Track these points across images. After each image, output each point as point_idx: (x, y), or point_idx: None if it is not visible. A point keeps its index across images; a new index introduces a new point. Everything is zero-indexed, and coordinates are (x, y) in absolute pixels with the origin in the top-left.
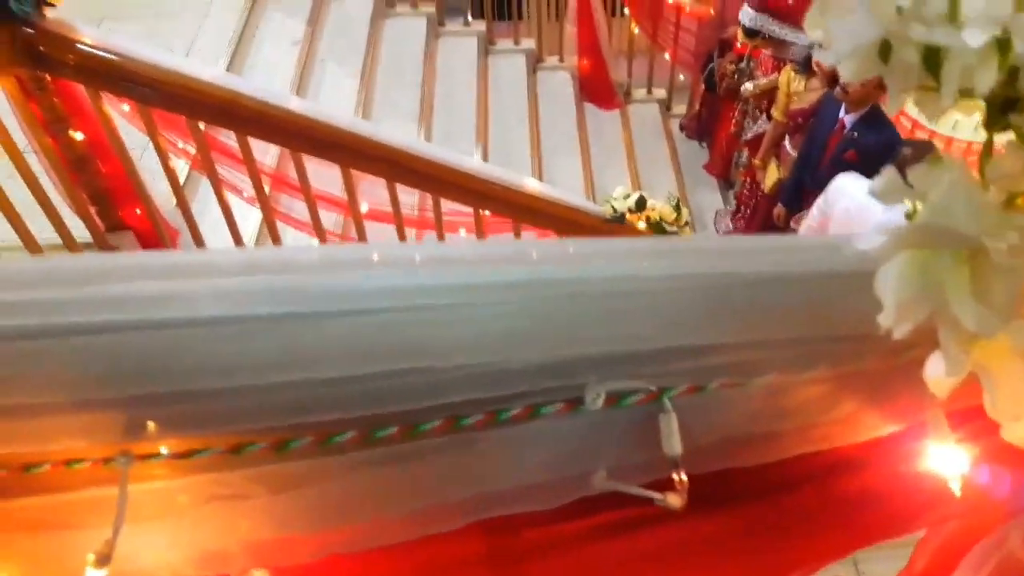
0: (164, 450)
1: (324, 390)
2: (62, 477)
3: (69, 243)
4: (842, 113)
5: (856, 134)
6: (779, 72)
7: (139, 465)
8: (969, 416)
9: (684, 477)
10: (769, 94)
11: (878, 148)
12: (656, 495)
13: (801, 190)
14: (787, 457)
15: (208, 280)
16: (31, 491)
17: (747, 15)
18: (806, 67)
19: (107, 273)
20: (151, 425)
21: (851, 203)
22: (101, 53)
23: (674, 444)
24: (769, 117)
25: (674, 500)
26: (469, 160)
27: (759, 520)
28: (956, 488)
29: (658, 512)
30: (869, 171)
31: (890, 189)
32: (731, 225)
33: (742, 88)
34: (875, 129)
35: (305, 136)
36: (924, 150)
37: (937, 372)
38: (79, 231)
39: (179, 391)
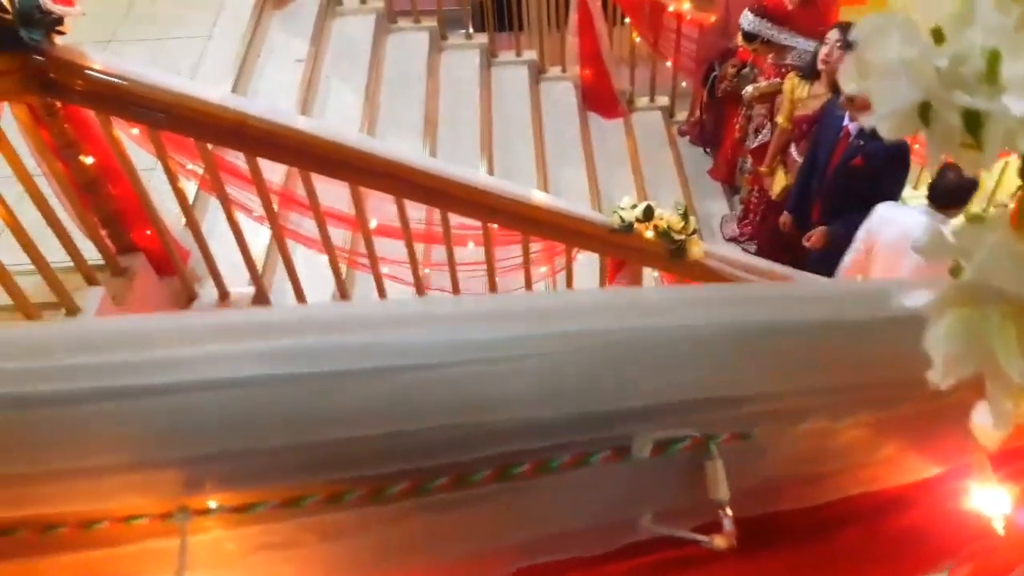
0: (220, 504)
1: (378, 444)
2: (121, 532)
3: (81, 266)
4: (846, 120)
5: (862, 141)
6: (780, 77)
7: (194, 519)
8: (1011, 457)
9: (731, 520)
10: (770, 98)
11: (885, 154)
12: (703, 538)
13: (808, 196)
14: (832, 499)
15: (265, 340)
16: (90, 545)
17: (746, 19)
18: (809, 73)
19: (167, 335)
20: (209, 481)
21: (896, 232)
22: (111, 79)
23: (721, 490)
24: (775, 126)
25: (721, 542)
26: (477, 174)
27: (805, 560)
28: (999, 527)
29: (704, 554)
30: (876, 177)
31: (935, 248)
32: (737, 230)
33: (743, 92)
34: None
35: (313, 155)
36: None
37: (984, 423)
38: (90, 252)
39: (237, 449)
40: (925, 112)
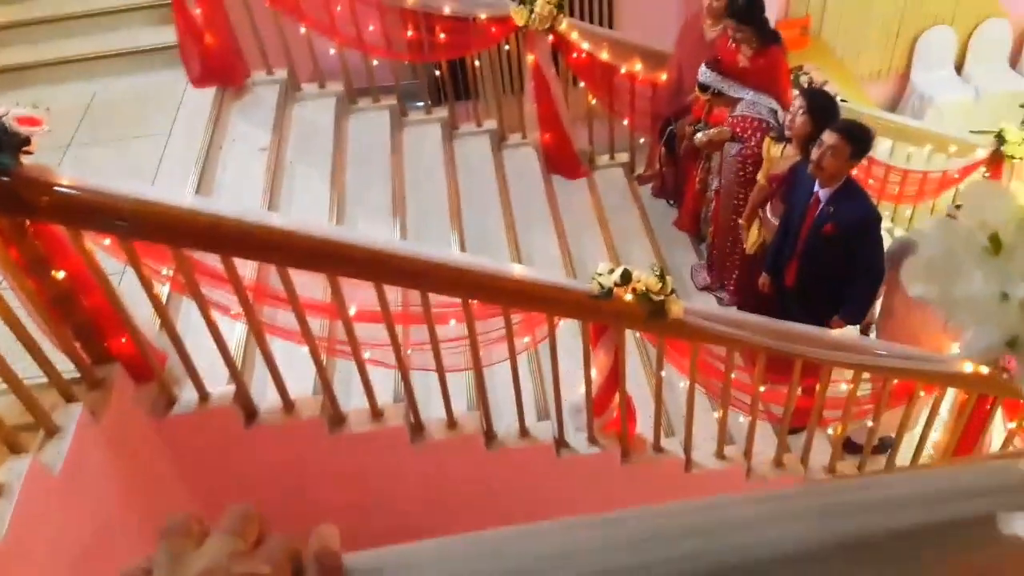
0: None
1: None
2: None
3: (57, 382)
4: (816, 186)
5: (832, 208)
6: (732, 128)
7: None
8: None
9: None
10: (719, 145)
11: (856, 224)
12: None
13: (782, 259)
14: None
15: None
16: None
17: (703, 72)
18: (781, 136)
19: None
20: None
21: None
22: (80, 194)
23: None
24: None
25: None
26: (455, 254)
27: None
28: None
29: None
30: (849, 246)
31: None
32: (708, 279)
33: (695, 138)
34: (850, 203)
35: (291, 250)
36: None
37: None
38: (63, 364)
39: None
40: (1013, 343)
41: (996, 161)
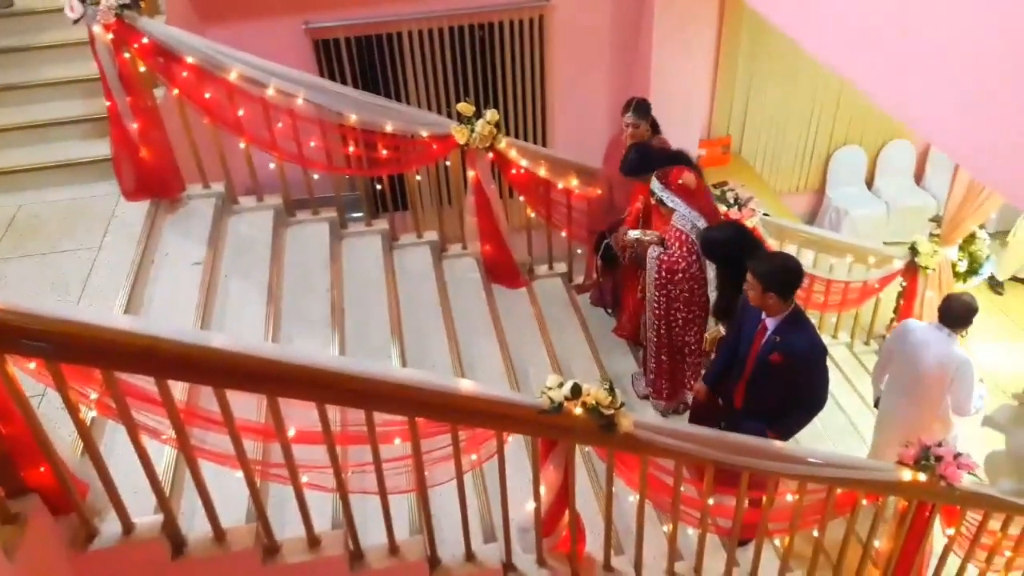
0: None
1: None
2: None
3: None
4: (763, 314)
5: (778, 338)
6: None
7: None
8: None
9: None
10: (645, 247)
11: (801, 355)
12: None
13: (729, 379)
14: None
15: None
16: None
17: (655, 184)
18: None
19: None
20: None
21: (915, 341)
22: (7, 316)
23: None
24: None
25: None
26: (404, 371)
27: None
28: None
29: None
30: (794, 376)
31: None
32: (650, 388)
33: (627, 234)
34: (796, 334)
35: (232, 372)
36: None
37: None
38: None
39: None
40: None
41: (911, 271)
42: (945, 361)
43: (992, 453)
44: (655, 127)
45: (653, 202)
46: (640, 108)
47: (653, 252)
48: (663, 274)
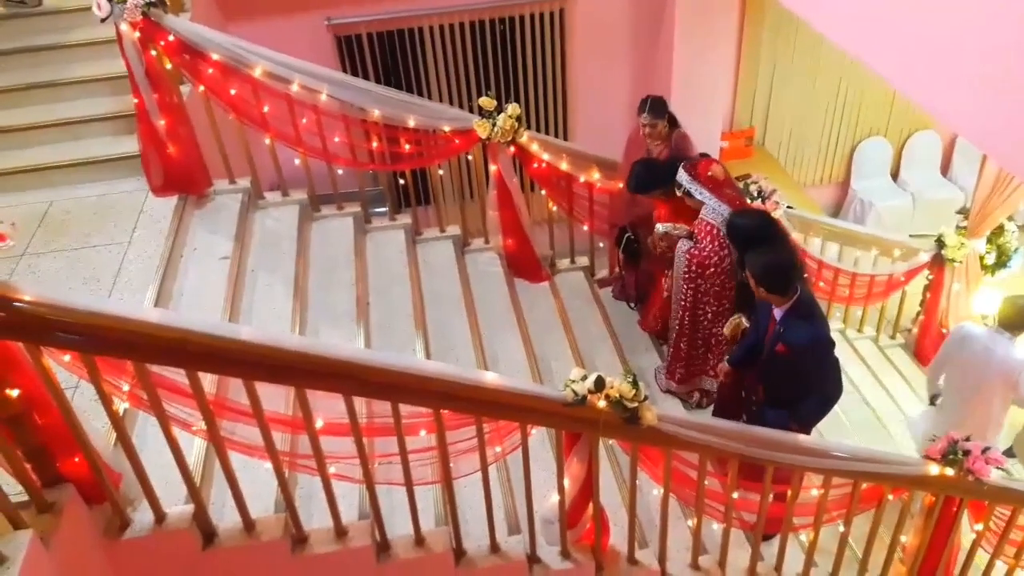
0: None
1: None
2: None
3: (4, 507)
4: (774, 306)
5: (783, 329)
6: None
7: None
8: None
9: None
10: (675, 240)
11: (803, 346)
12: None
13: (751, 362)
14: None
15: None
16: None
17: (683, 176)
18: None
19: None
20: None
21: (977, 347)
22: (44, 311)
23: None
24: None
25: None
26: (427, 364)
27: None
28: None
29: None
30: (799, 366)
31: None
32: (664, 370)
33: (655, 228)
34: (799, 325)
35: (261, 365)
36: None
37: None
38: (8, 487)
39: None
40: None
41: (938, 264)
42: (1012, 364)
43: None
44: (673, 122)
45: (680, 194)
46: (655, 107)
47: (683, 246)
48: (693, 268)
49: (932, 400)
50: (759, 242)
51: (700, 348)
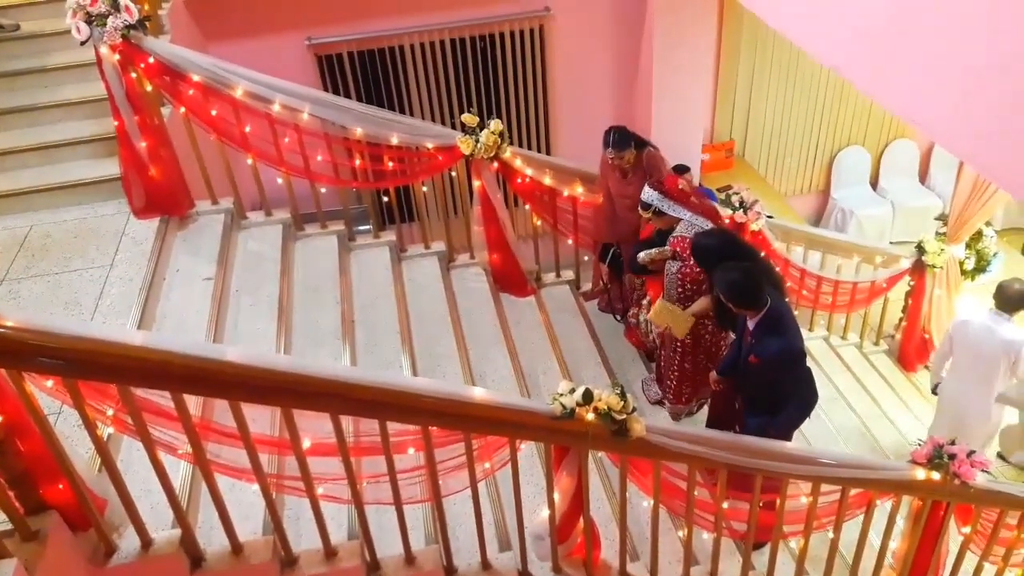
0: None
1: None
2: None
3: None
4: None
5: (754, 341)
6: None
7: None
8: None
9: None
10: (661, 263)
11: (772, 356)
12: None
13: (735, 369)
14: None
15: None
16: None
17: (646, 192)
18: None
19: None
20: None
21: (976, 327)
22: (25, 335)
23: None
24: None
25: None
26: (417, 380)
27: None
28: None
29: None
30: (770, 376)
31: None
32: (660, 392)
33: (638, 257)
34: (769, 337)
35: (247, 386)
36: None
37: None
38: None
39: None
40: None
41: (919, 270)
42: (1011, 343)
43: (1008, 426)
44: (640, 144)
45: (648, 215)
46: (619, 142)
47: (671, 267)
48: (688, 286)
49: (933, 390)
50: (726, 260)
51: (703, 362)
